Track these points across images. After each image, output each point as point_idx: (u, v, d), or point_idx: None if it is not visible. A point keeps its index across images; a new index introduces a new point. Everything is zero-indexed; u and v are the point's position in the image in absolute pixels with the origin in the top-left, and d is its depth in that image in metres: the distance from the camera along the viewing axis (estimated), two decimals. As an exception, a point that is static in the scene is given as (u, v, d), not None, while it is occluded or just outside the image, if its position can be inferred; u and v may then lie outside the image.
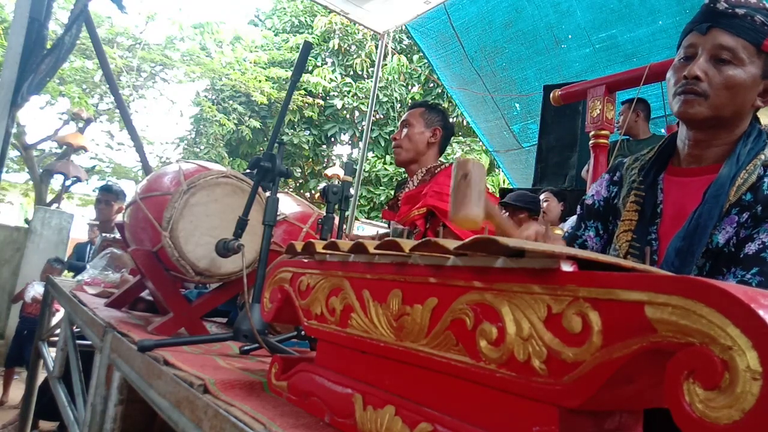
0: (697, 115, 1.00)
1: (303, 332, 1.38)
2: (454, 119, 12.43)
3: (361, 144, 8.22)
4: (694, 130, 1.05)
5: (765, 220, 0.93)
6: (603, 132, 2.83)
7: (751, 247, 0.92)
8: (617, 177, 1.21)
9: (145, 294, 1.95)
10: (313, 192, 13.04)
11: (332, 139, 13.74)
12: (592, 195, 1.24)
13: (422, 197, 1.97)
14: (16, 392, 4.40)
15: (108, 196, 3.77)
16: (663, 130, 4.11)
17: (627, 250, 1.06)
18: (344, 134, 13.49)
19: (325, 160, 13.87)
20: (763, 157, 0.99)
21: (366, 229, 10.75)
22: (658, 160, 1.13)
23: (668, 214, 1.06)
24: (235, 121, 12.55)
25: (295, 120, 12.76)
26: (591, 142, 2.89)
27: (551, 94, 3.27)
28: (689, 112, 1.01)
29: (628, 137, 3.63)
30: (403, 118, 2.18)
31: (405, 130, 2.13)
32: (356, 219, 9.86)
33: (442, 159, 2.22)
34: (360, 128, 12.70)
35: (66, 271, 4.53)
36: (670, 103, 1.06)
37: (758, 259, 0.91)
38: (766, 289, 0.86)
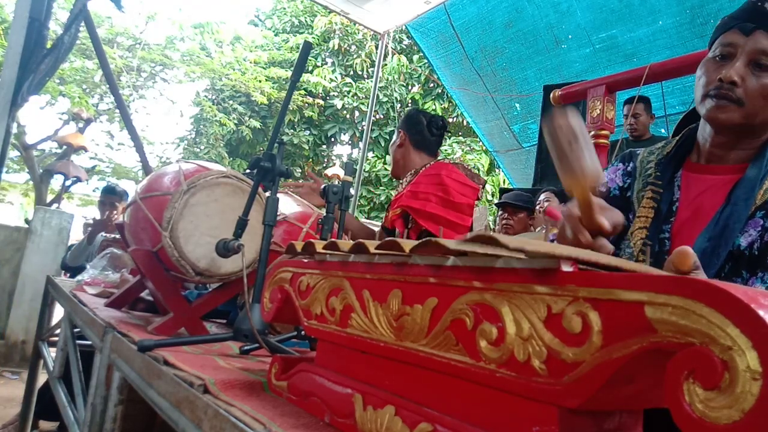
0: (727, 121, 0.97)
1: (303, 332, 1.38)
2: (454, 119, 12.45)
3: (361, 144, 8.23)
4: (720, 134, 1.02)
5: None
6: (603, 132, 2.84)
7: None
8: (631, 168, 1.16)
9: (145, 294, 1.95)
10: (313, 192, 13.00)
11: (332, 139, 13.74)
12: (606, 183, 1.18)
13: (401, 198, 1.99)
14: (16, 392, 4.40)
15: (112, 198, 3.76)
16: (663, 131, 4.11)
17: (640, 248, 1.04)
18: (344, 134, 13.50)
19: (325, 160, 13.88)
20: None
21: (366, 229, 10.73)
22: (676, 155, 1.09)
23: (683, 212, 1.04)
24: (235, 121, 12.56)
25: (295, 120, 12.77)
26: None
27: (551, 94, 3.27)
28: (720, 118, 0.97)
29: (628, 137, 3.63)
30: None
31: None
32: (356, 219, 9.85)
33: (441, 157, 2.23)
34: (360, 128, 12.71)
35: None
36: (698, 102, 1.02)
37: None
38: None
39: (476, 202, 2.02)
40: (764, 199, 0.94)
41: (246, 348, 1.32)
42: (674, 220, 1.04)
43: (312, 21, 13.53)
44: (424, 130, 2.16)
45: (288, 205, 1.91)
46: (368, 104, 6.31)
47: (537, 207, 3.36)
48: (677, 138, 1.13)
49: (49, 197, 9.72)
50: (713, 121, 0.99)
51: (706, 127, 1.05)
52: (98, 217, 3.81)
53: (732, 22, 1.00)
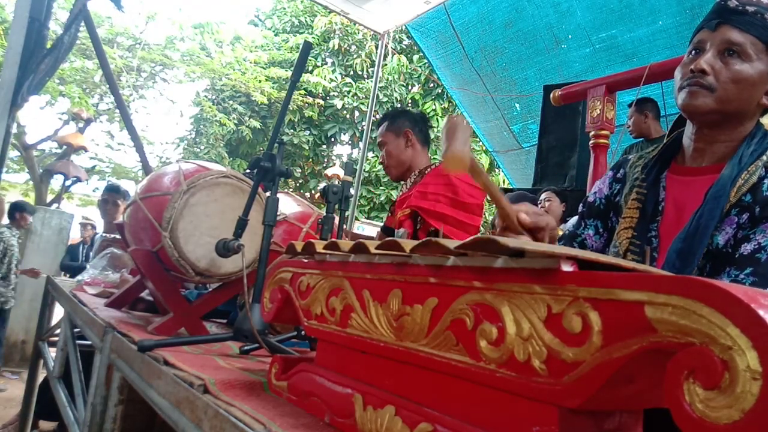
0: (701, 107, 1.00)
1: (303, 332, 1.38)
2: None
3: (361, 144, 8.23)
4: (699, 124, 1.05)
5: (762, 221, 0.93)
6: (603, 132, 2.84)
7: (747, 248, 0.92)
8: (621, 174, 1.20)
9: (145, 294, 1.95)
10: (313, 192, 13.04)
11: (332, 139, 13.74)
12: (595, 192, 1.24)
13: (409, 198, 1.99)
14: (16, 392, 4.40)
15: (115, 196, 3.77)
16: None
17: (627, 248, 1.06)
18: (344, 134, 13.49)
19: (325, 160, 13.87)
20: (765, 158, 0.98)
21: (366, 229, 10.76)
22: (661, 157, 1.12)
23: (669, 212, 1.06)
24: (235, 121, 12.55)
25: (295, 120, 12.76)
26: (591, 142, 2.89)
27: (551, 94, 3.27)
28: (694, 104, 1.01)
29: (642, 139, 3.63)
30: (377, 141, 2.23)
31: (383, 151, 2.21)
32: (356, 219, 9.87)
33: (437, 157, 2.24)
34: (360, 128, 12.70)
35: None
36: (676, 97, 1.06)
37: (753, 260, 0.91)
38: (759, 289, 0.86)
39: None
40: (738, 197, 0.96)
41: (246, 348, 1.32)
42: (661, 220, 1.06)
43: (312, 21, 13.52)
44: (425, 124, 2.22)
45: (288, 205, 1.92)
46: (368, 104, 6.31)
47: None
48: (664, 141, 1.16)
49: (49, 197, 9.72)
50: (688, 108, 1.03)
51: (689, 125, 1.09)
52: (98, 217, 3.82)
53: (701, 24, 1.07)
